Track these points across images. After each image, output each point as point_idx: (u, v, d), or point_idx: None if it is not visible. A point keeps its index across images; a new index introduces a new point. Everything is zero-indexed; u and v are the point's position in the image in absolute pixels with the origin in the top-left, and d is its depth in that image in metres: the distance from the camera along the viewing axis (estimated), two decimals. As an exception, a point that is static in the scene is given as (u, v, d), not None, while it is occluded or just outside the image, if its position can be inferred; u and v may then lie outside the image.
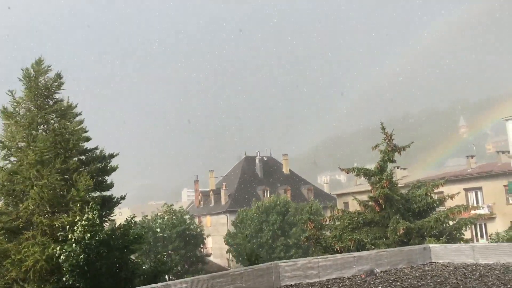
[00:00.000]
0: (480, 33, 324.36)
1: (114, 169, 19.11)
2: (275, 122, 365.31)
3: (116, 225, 17.53)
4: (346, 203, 56.21)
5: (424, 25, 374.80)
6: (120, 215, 19.01)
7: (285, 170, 71.37)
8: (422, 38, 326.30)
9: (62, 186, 16.39)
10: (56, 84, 18.49)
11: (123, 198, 19.21)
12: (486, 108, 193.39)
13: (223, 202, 64.33)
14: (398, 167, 50.51)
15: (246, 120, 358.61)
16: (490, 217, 41.01)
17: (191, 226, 48.39)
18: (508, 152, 41.13)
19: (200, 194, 71.33)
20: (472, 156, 50.73)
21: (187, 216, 49.09)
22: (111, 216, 18.66)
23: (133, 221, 16.65)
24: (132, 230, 16.48)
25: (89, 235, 13.94)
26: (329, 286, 9.33)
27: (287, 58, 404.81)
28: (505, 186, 39.96)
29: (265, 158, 71.77)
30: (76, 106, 18.63)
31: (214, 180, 69.77)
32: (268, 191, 62.57)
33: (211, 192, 68.30)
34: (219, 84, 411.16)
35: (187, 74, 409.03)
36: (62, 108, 18.25)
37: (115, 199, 19.07)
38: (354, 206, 29.45)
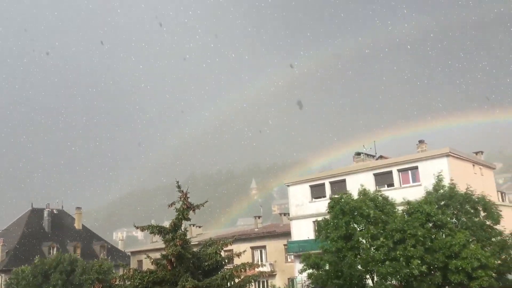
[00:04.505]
0: (276, 104, 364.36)
1: None
2: (70, 173, 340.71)
3: None
4: (140, 261, 54.76)
5: (234, 88, 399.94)
6: None
7: (77, 225, 66.39)
8: (230, 99, 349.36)
9: None
10: None
11: None
12: (273, 173, 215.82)
13: (-3, 260, 55.88)
14: (193, 225, 52.15)
15: (34, 168, 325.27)
16: (271, 274, 44.79)
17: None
18: (289, 214, 46.32)
19: (-31, 251, 60.71)
20: (259, 217, 55.82)
21: None
22: None
23: None
24: None
25: None
26: None
27: (87, 103, 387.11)
28: (285, 245, 44.21)
29: (55, 211, 65.75)
30: None
31: (-11, 235, 60.44)
32: (55, 248, 56.96)
33: (-17, 249, 58.76)
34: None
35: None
36: None
37: None
38: (148, 265, 29.00)
